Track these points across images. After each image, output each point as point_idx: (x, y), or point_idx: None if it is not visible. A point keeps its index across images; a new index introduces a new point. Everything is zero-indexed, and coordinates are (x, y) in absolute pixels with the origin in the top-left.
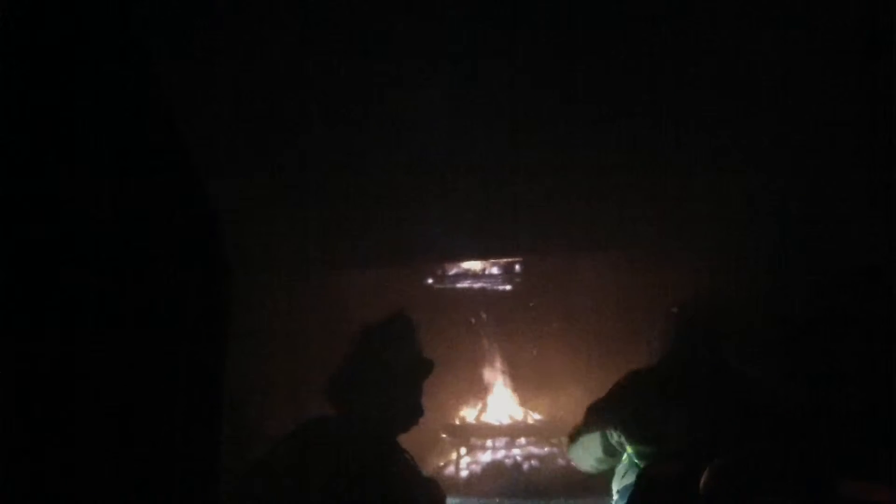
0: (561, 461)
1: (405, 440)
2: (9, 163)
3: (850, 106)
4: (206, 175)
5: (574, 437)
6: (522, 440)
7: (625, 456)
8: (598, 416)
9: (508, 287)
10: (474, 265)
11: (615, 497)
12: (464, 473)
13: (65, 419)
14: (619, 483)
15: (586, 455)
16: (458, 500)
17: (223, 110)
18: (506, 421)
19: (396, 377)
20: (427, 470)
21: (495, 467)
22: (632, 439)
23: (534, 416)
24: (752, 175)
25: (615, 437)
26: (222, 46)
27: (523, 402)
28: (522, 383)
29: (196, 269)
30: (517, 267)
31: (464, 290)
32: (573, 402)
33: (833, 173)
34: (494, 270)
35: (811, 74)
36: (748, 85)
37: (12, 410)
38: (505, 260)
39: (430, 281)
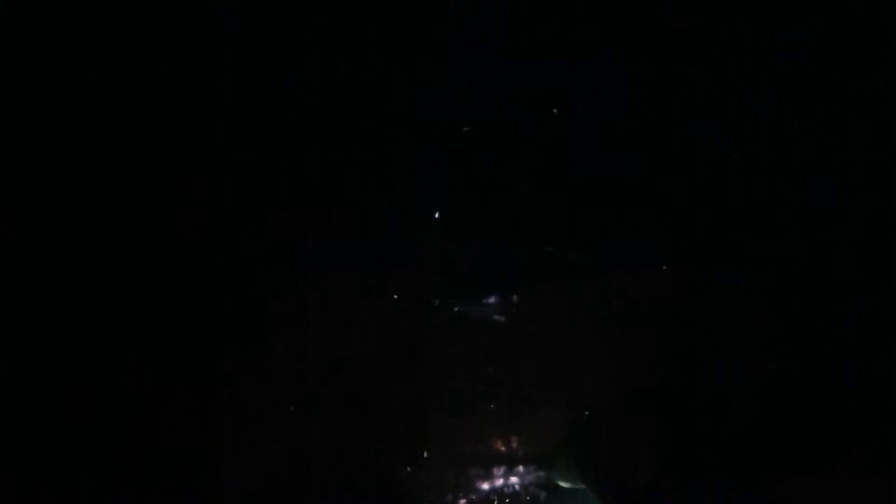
0: (562, 488)
1: (405, 471)
2: (9, 163)
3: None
4: (207, 182)
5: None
6: (521, 468)
7: None
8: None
9: (505, 318)
10: (473, 296)
11: None
12: (463, 503)
13: (63, 418)
14: None
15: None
16: None
17: (225, 114)
18: (506, 449)
19: (399, 409)
20: (427, 500)
21: (496, 496)
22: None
23: (535, 445)
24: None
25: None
26: (225, 45)
27: (524, 431)
28: (523, 412)
29: (196, 270)
30: (515, 297)
31: (463, 320)
32: (574, 430)
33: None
34: (492, 300)
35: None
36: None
37: (12, 410)
38: (503, 289)
39: (431, 312)
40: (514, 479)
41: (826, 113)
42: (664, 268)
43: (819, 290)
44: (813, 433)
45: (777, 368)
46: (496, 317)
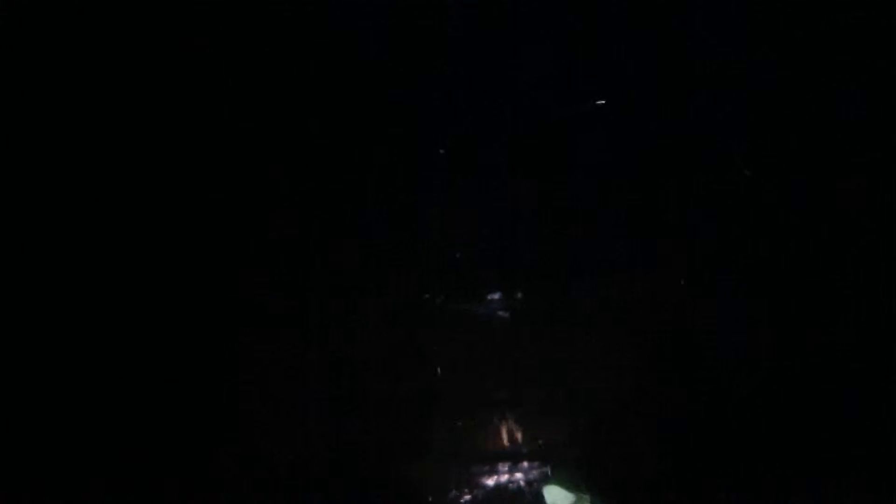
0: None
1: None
2: (10, 163)
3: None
4: (208, 183)
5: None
6: (525, 465)
7: None
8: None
9: (508, 314)
10: (477, 294)
11: None
12: (466, 499)
13: (62, 418)
14: None
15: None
16: None
17: (223, 113)
18: (509, 446)
19: (399, 409)
20: (428, 498)
21: (498, 493)
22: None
23: (538, 441)
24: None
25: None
26: (223, 43)
27: (526, 428)
28: (525, 408)
29: (195, 270)
30: (519, 294)
31: (464, 317)
32: (576, 427)
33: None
34: (497, 298)
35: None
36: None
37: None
38: (506, 286)
39: (432, 309)
40: (518, 476)
41: (827, 113)
42: (677, 269)
43: (821, 290)
44: (816, 434)
45: (780, 369)
46: (500, 313)
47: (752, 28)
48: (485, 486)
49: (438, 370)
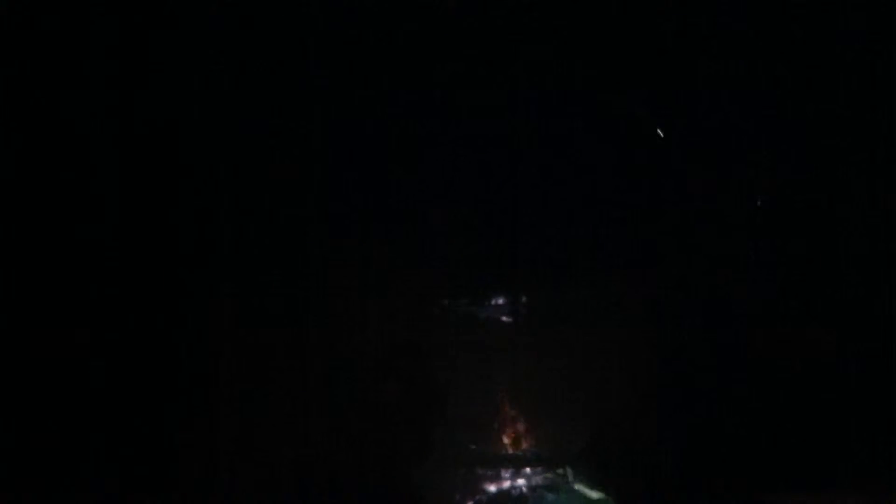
0: (567, 490)
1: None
2: (10, 163)
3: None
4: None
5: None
6: (528, 470)
7: None
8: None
9: (513, 318)
10: (480, 296)
11: None
12: (466, 499)
13: (62, 418)
14: None
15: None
16: None
17: (225, 113)
18: (512, 450)
19: (404, 411)
20: (428, 498)
21: (502, 497)
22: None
23: (541, 446)
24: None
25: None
26: (225, 44)
27: (530, 432)
28: (529, 413)
29: (195, 270)
30: (523, 297)
31: (469, 320)
32: (579, 432)
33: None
34: (500, 301)
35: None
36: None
37: (13, 410)
38: (510, 290)
39: (436, 311)
40: (521, 482)
41: (827, 113)
42: (677, 269)
43: (821, 290)
44: (816, 435)
45: (780, 369)
46: (500, 313)
47: (752, 28)
48: (485, 487)
49: (438, 370)
